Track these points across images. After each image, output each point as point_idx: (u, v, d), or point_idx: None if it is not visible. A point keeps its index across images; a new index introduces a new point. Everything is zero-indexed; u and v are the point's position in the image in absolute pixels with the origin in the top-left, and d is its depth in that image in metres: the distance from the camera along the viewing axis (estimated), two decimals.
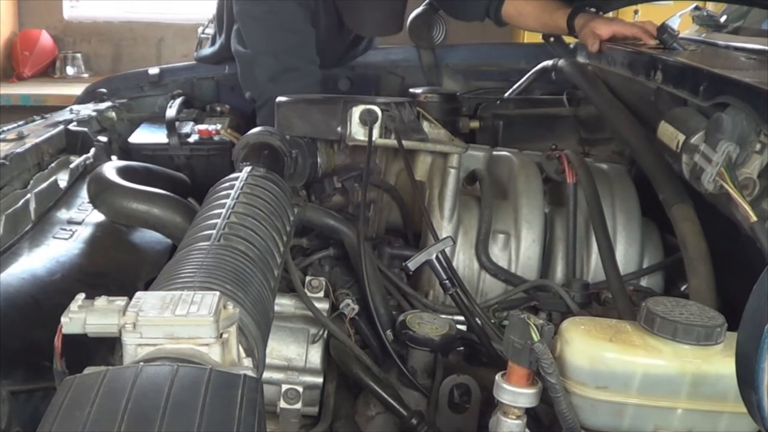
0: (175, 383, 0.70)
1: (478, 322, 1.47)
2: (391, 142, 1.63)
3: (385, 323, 1.48)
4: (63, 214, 1.91)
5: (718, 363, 0.98)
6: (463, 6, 2.53)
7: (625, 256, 1.63)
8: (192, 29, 3.67)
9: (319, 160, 1.74)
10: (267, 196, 1.35)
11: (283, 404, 1.36)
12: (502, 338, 1.05)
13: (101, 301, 0.82)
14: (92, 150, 2.19)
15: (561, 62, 2.25)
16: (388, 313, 1.51)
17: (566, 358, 1.02)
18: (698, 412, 1.01)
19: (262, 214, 1.27)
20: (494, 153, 1.89)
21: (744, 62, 1.78)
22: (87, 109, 2.51)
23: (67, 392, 0.70)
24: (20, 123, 2.17)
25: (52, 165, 1.99)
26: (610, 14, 2.63)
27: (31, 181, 1.83)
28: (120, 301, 0.82)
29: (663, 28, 1.95)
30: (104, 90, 2.78)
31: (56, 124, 2.20)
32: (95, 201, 1.76)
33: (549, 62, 2.37)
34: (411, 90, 2.38)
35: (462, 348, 1.53)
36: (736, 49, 1.92)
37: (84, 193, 1.93)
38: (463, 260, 1.65)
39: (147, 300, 0.82)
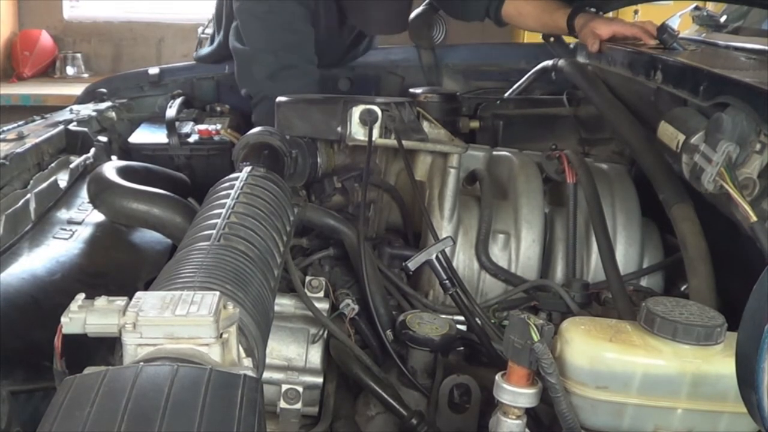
0: (175, 383, 0.70)
1: (478, 322, 1.47)
2: (391, 142, 1.63)
3: (385, 323, 1.48)
4: (63, 214, 1.91)
5: (718, 363, 0.98)
6: (463, 6, 2.53)
7: (625, 256, 1.63)
8: (192, 29, 3.67)
9: (319, 160, 1.74)
10: (267, 196, 1.35)
11: (283, 404, 1.36)
12: (502, 338, 1.05)
13: (101, 301, 0.82)
14: (92, 150, 2.19)
15: (561, 62, 2.25)
16: (388, 313, 1.51)
17: (566, 358, 1.02)
18: (698, 412, 1.01)
19: (262, 214, 1.27)
20: (494, 153, 1.88)
21: (744, 62, 1.78)
22: (87, 109, 2.51)
23: (67, 392, 0.70)
24: (20, 123, 2.17)
25: (52, 165, 1.99)
26: (610, 14, 2.63)
27: (31, 181, 1.83)
28: (120, 301, 0.82)
29: (663, 28, 1.95)
30: (104, 90, 2.78)
31: (56, 124, 2.20)
32: (95, 201, 1.76)
33: (549, 62, 2.37)
34: (411, 90, 2.37)
35: (462, 348, 1.53)
36: (736, 49, 1.92)
37: (84, 193, 1.93)
38: (463, 260, 1.65)
39: (147, 300, 0.82)
